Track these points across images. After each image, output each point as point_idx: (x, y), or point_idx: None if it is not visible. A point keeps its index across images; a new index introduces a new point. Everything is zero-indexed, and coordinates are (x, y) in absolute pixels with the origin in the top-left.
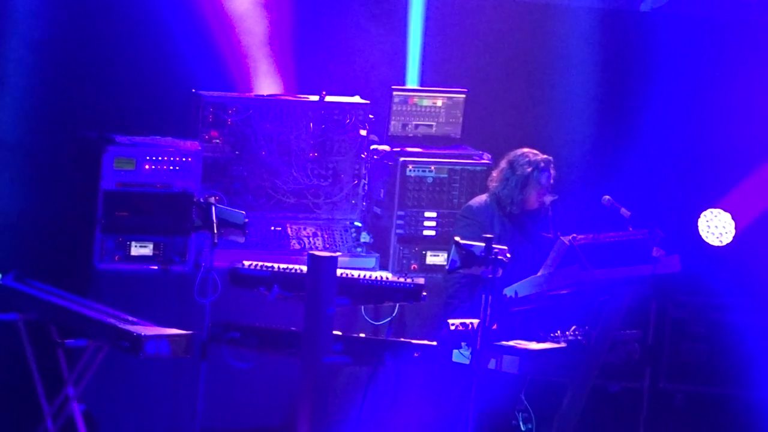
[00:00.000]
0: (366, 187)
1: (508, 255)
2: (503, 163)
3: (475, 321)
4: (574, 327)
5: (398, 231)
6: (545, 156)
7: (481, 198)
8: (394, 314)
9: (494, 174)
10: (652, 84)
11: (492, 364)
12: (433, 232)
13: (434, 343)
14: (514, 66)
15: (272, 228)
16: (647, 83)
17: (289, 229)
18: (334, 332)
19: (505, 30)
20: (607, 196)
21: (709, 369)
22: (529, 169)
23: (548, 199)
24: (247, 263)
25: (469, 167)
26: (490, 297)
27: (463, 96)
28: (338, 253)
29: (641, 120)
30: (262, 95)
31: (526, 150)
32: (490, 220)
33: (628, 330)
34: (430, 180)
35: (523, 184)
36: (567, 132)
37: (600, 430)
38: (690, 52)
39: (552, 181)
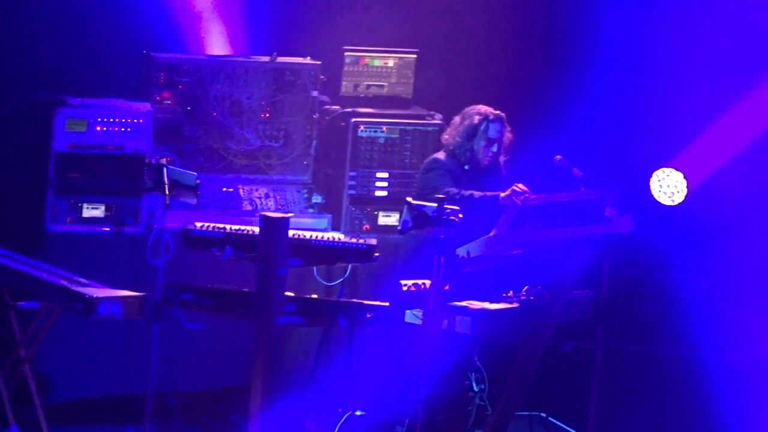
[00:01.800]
0: (317, 148)
1: (461, 215)
2: (456, 117)
3: (428, 282)
4: (526, 287)
5: (350, 191)
6: (498, 111)
7: (439, 154)
8: (346, 275)
9: (447, 128)
10: (603, 42)
11: (444, 325)
12: (385, 193)
13: (387, 303)
14: (465, 25)
15: (224, 189)
16: (598, 41)
17: (241, 191)
18: (287, 293)
19: None
20: (559, 156)
21: (661, 328)
22: (477, 119)
23: (502, 158)
24: (199, 224)
25: (420, 127)
26: (442, 257)
27: (414, 56)
28: (290, 214)
29: (593, 79)
30: (214, 56)
31: (480, 105)
32: (452, 174)
33: (580, 290)
34: (381, 140)
35: (470, 134)
36: (519, 92)
37: (553, 390)
38: (642, 9)
39: (504, 140)
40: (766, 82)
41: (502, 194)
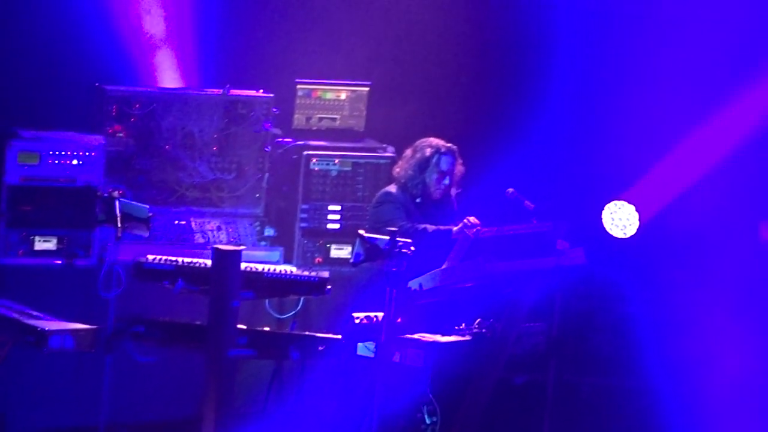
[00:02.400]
0: (270, 181)
1: (413, 248)
2: (408, 150)
3: (380, 314)
4: (478, 320)
5: (302, 224)
6: (449, 144)
7: (391, 187)
8: (298, 308)
9: (399, 161)
10: (555, 75)
11: (397, 358)
12: (337, 225)
13: (339, 336)
14: (417, 58)
15: (176, 222)
16: (550, 74)
17: (193, 223)
18: (239, 326)
19: (408, 22)
20: (511, 189)
21: (613, 361)
22: (429, 152)
23: (454, 191)
24: (151, 257)
25: (372, 160)
26: (394, 290)
27: (367, 89)
28: (242, 247)
29: (545, 112)
30: (166, 89)
31: (431, 138)
32: (405, 207)
33: (532, 322)
34: (334, 173)
35: (422, 167)
36: (471, 125)
37: (505, 423)
38: (592, 43)
39: (456, 172)
40: (715, 117)
41: (455, 227)
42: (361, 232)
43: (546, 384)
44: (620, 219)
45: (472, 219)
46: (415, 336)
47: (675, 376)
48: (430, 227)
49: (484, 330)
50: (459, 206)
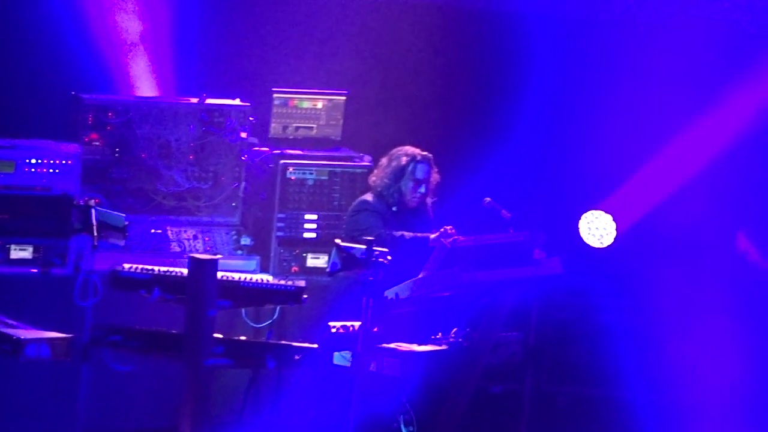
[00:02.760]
0: (246, 190)
1: (389, 257)
2: (384, 159)
3: (356, 324)
4: (455, 329)
5: (279, 233)
6: (425, 152)
7: (367, 195)
8: (275, 317)
9: (375, 170)
10: (533, 84)
11: (373, 367)
12: (313, 235)
13: (315, 345)
14: (394, 67)
15: (153, 231)
16: (527, 84)
17: (169, 232)
18: (215, 335)
19: (384, 31)
20: (488, 198)
21: (590, 370)
22: (405, 161)
23: (429, 200)
24: (127, 266)
25: (349, 169)
26: (371, 299)
27: (344, 98)
28: (219, 256)
29: (522, 121)
30: (142, 97)
31: (407, 147)
32: (381, 216)
33: (509, 332)
34: (310, 182)
35: (398, 176)
36: (448, 134)
37: None
38: (570, 53)
39: (432, 181)
40: (692, 128)
41: (432, 236)
42: (338, 241)
43: (523, 393)
44: (597, 228)
45: (449, 228)
46: (392, 345)
47: (652, 386)
48: (407, 235)
49: (460, 339)
50: (435, 215)
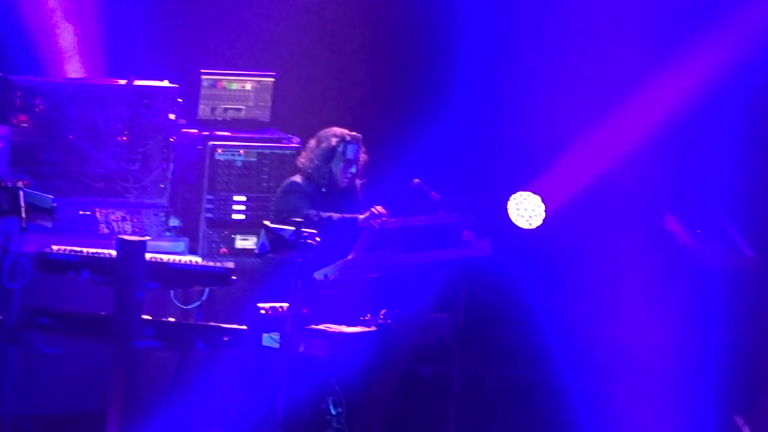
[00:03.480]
0: (175, 171)
1: (318, 238)
2: (312, 140)
3: (285, 305)
4: (384, 311)
5: (207, 215)
6: (354, 133)
7: (296, 177)
8: (203, 298)
9: (303, 152)
10: (462, 66)
11: (302, 348)
12: (242, 216)
13: (244, 327)
14: (323, 49)
15: (81, 212)
16: (456, 65)
17: (98, 214)
18: (144, 317)
19: (313, 12)
20: (417, 180)
21: (519, 352)
22: (335, 141)
23: (359, 182)
24: (55, 248)
25: (278, 151)
26: (299, 281)
27: (273, 80)
28: (147, 238)
29: (451, 102)
30: (71, 79)
31: (336, 128)
32: (310, 197)
33: (438, 313)
34: (239, 164)
35: (328, 157)
36: (376, 115)
37: (411, 414)
38: (498, 33)
39: (361, 162)
40: (621, 110)
41: (360, 217)
42: (267, 222)
43: (452, 375)
44: (526, 210)
45: (379, 209)
46: (321, 327)
47: (580, 368)
48: (336, 217)
49: (389, 321)
50: (364, 196)
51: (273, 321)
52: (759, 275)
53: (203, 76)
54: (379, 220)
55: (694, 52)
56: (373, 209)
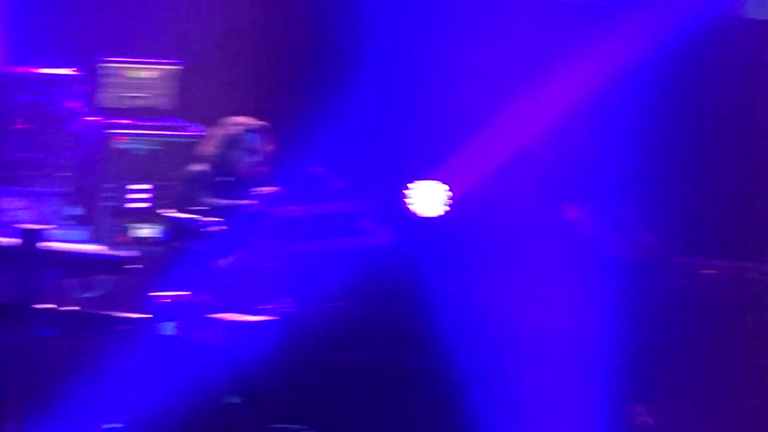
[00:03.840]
0: (77, 160)
1: (219, 227)
2: (216, 129)
3: (185, 293)
4: (283, 299)
5: (108, 203)
6: (258, 122)
7: (199, 165)
8: (103, 287)
9: (207, 141)
10: (367, 55)
11: (201, 337)
12: (144, 205)
13: (143, 315)
14: (227, 38)
15: None
16: (362, 54)
17: None
18: (44, 305)
19: (220, 1)
20: (319, 168)
21: (420, 341)
22: (238, 130)
23: (262, 170)
24: None
25: (181, 139)
26: (199, 269)
27: (178, 68)
28: (48, 226)
29: (355, 92)
30: None
31: (240, 117)
32: (212, 186)
33: (339, 302)
34: (141, 152)
35: (231, 145)
36: (280, 104)
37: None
38: (405, 23)
39: (265, 151)
40: (524, 101)
41: (262, 206)
42: (168, 211)
43: (353, 363)
44: (428, 198)
45: (280, 197)
46: (220, 315)
47: (480, 357)
48: (238, 205)
49: (289, 309)
50: (267, 185)
51: (172, 309)
52: (658, 264)
53: (106, 64)
54: (280, 209)
55: (591, 46)
56: (274, 198)
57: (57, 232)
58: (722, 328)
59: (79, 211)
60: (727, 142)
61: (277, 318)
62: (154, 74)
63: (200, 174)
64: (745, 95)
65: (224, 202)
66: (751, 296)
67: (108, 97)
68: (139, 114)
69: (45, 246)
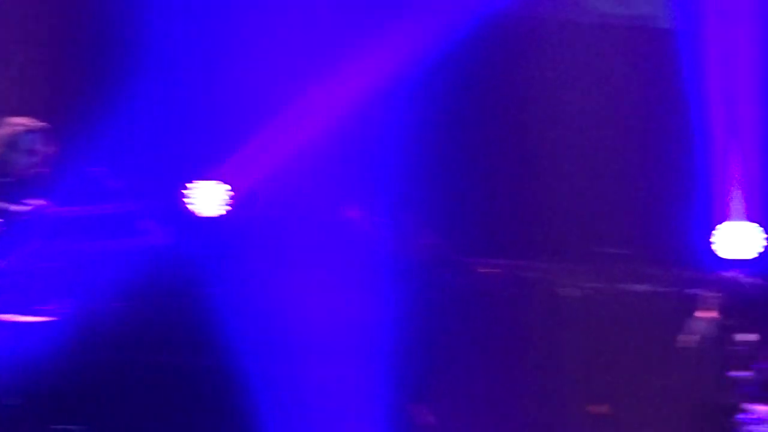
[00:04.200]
0: None
1: None
2: None
3: None
4: (62, 299)
5: None
6: (38, 122)
7: None
8: None
9: None
10: (147, 57)
11: None
12: None
13: None
14: (7, 38)
15: None
16: (140, 56)
17: None
18: None
19: None
20: (97, 168)
21: (201, 341)
22: (18, 130)
23: (40, 170)
24: None
25: None
26: None
27: None
28: None
29: (136, 90)
30: None
31: (19, 117)
32: None
33: (117, 302)
34: None
35: (10, 146)
36: (60, 105)
37: (96, 402)
38: (187, 20)
39: (45, 151)
40: (304, 101)
41: (40, 206)
42: None
43: (135, 363)
44: (208, 198)
45: (58, 197)
46: None
47: (261, 357)
48: (14, 206)
49: (67, 310)
50: (45, 186)
51: None
52: (436, 262)
53: None
54: (58, 209)
55: (374, 46)
56: (52, 198)
57: None
58: (500, 326)
59: None
60: (504, 143)
61: (56, 318)
62: None
63: None
64: (523, 94)
65: (2, 204)
66: (528, 294)
67: None
68: None
69: None
